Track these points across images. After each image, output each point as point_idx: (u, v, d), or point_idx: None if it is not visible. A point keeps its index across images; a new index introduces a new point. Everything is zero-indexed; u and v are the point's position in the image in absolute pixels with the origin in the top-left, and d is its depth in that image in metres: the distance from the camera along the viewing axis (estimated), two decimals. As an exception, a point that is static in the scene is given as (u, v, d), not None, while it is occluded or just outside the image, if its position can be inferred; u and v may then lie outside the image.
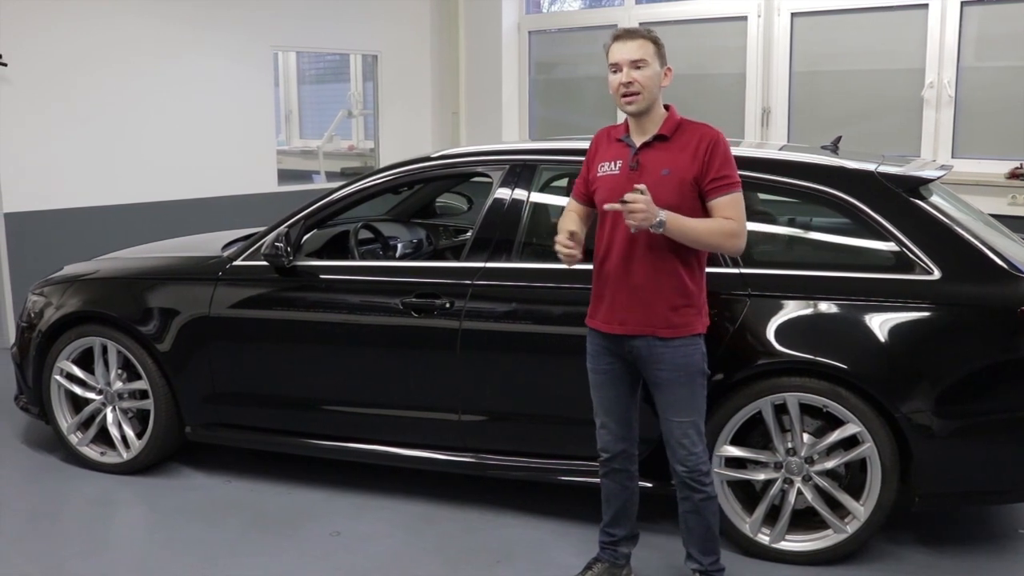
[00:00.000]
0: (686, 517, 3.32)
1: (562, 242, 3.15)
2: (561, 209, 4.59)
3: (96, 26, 6.84)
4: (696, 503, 3.27)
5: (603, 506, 3.49)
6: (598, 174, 3.25)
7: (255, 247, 4.36)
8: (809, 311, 3.58)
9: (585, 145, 4.47)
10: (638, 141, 3.18)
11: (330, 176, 9.39)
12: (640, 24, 8.00)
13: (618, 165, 3.20)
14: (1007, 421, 3.49)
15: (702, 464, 3.24)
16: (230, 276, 4.38)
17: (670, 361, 3.16)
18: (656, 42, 3.15)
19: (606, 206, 3.06)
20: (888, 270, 3.61)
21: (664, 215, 2.98)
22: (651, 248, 3.10)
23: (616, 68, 3.14)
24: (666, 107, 3.22)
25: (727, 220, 3.09)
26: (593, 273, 3.30)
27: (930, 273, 3.51)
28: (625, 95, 3.12)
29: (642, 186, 2.99)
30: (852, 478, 3.64)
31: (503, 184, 4.09)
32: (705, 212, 3.12)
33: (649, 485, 3.65)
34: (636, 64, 3.10)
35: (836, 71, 7.25)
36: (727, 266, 3.65)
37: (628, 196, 2.97)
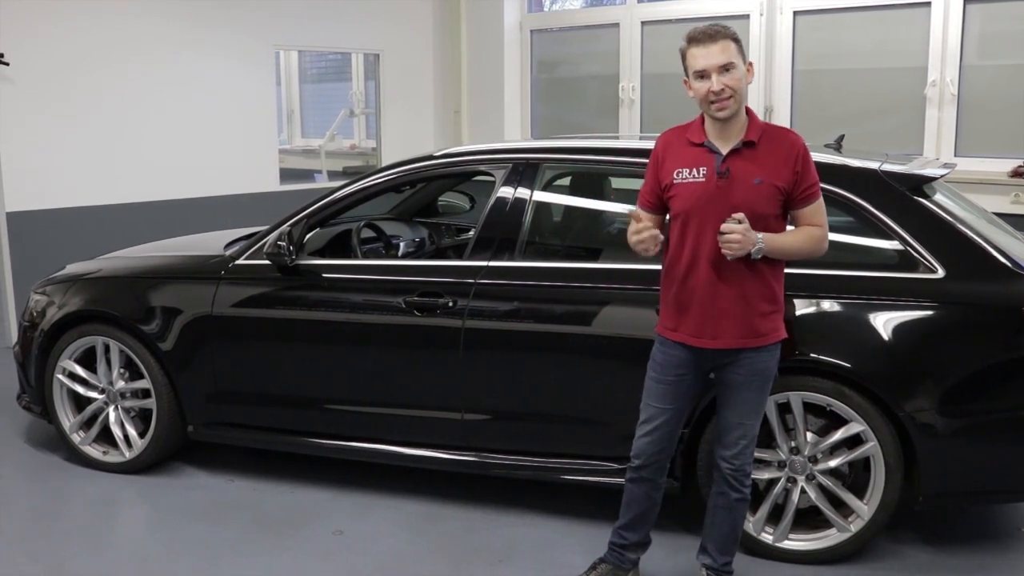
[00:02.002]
0: (715, 513, 3.31)
1: (636, 228, 3.03)
2: (562, 208, 4.62)
3: (97, 25, 6.84)
4: (731, 501, 3.25)
5: (622, 508, 3.42)
6: (675, 181, 3.09)
7: (257, 246, 4.36)
8: (812, 310, 3.57)
9: (586, 144, 4.50)
10: (723, 147, 3.06)
11: (332, 175, 9.39)
12: (641, 24, 8.03)
13: (703, 172, 3.05)
14: (1011, 420, 3.48)
15: (748, 465, 3.23)
16: (232, 275, 4.37)
17: (750, 367, 3.13)
18: (737, 39, 3.02)
19: (723, 226, 2.94)
20: (892, 268, 3.60)
21: (762, 240, 2.96)
22: (740, 259, 3.02)
23: (703, 75, 2.99)
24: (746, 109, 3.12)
25: (815, 227, 3.09)
26: (670, 283, 3.19)
27: (934, 272, 3.51)
28: (716, 102, 2.99)
29: (740, 215, 2.94)
30: (856, 477, 3.63)
31: (505, 183, 4.09)
32: (785, 216, 3.11)
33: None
34: (725, 68, 2.96)
35: (839, 69, 7.24)
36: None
37: (724, 227, 2.93)
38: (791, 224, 3.16)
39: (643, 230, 3.04)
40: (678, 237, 3.13)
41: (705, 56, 2.98)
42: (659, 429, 3.25)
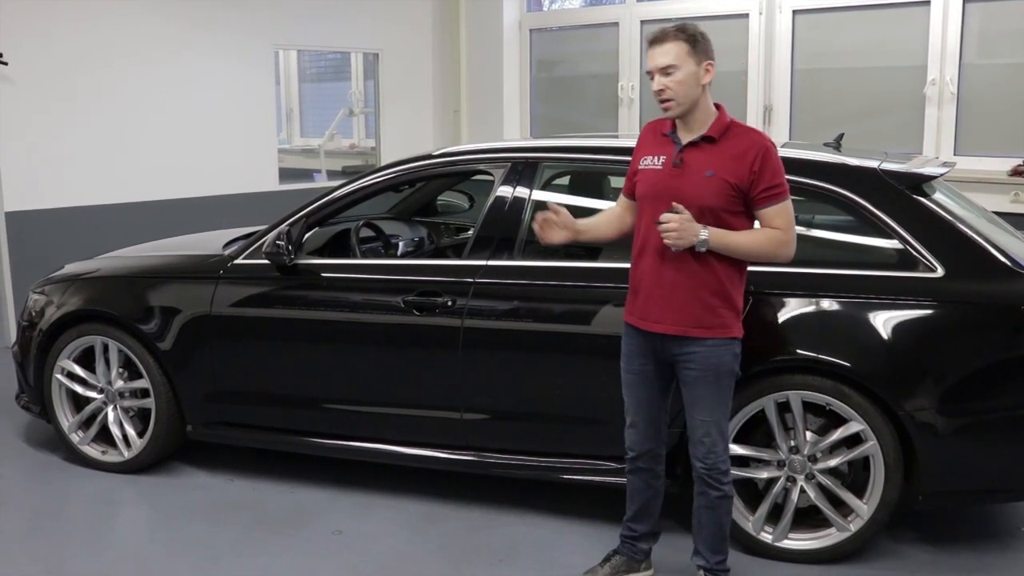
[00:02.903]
0: (699, 513, 3.32)
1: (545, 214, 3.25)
2: (562, 207, 4.60)
3: (97, 25, 6.83)
4: (712, 500, 3.26)
5: (627, 502, 3.49)
6: (640, 167, 3.23)
7: (256, 245, 4.35)
8: (812, 309, 3.57)
9: (585, 143, 4.50)
10: (684, 139, 3.14)
11: (331, 174, 9.38)
12: (641, 23, 8.03)
13: (661, 160, 3.16)
14: (1010, 419, 3.48)
15: (721, 463, 3.23)
16: (231, 275, 4.37)
17: (702, 361, 3.14)
18: (691, 39, 3.06)
19: (662, 216, 3.02)
20: (891, 267, 3.60)
21: (706, 234, 2.98)
22: (687, 250, 3.06)
23: (650, 75, 3.10)
24: (717, 106, 3.17)
25: (775, 230, 3.08)
26: (631, 267, 3.28)
27: (933, 270, 3.50)
28: (661, 102, 3.10)
29: (679, 206, 2.98)
30: (855, 476, 3.63)
31: (504, 182, 4.08)
32: (749, 216, 3.11)
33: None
34: (666, 71, 3.05)
35: (838, 68, 7.24)
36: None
37: (663, 216, 2.98)
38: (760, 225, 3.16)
39: (557, 218, 3.26)
40: (637, 221, 3.25)
41: (651, 57, 3.10)
42: (640, 419, 3.33)
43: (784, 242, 3.10)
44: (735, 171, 3.05)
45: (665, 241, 3.01)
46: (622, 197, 3.39)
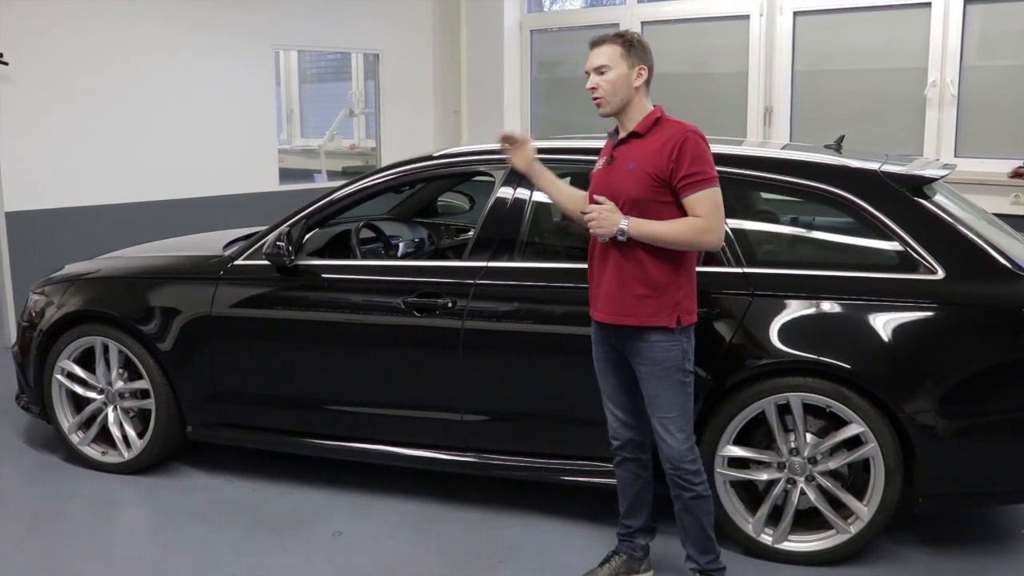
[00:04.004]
0: (680, 516, 3.33)
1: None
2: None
3: (97, 25, 6.83)
4: (686, 502, 3.27)
5: (619, 497, 3.52)
6: (593, 169, 3.41)
7: (256, 246, 4.35)
8: (812, 311, 3.57)
9: (585, 144, 4.50)
10: (620, 137, 3.30)
11: (331, 175, 9.39)
12: (641, 24, 8.03)
13: (603, 160, 3.34)
14: (1011, 421, 3.48)
15: (686, 462, 3.24)
16: (231, 275, 4.37)
17: (647, 355, 3.20)
18: (626, 44, 3.21)
19: (579, 214, 3.27)
20: (892, 269, 3.60)
21: (625, 224, 3.10)
22: (615, 241, 3.17)
23: (587, 75, 3.26)
24: (656, 107, 3.26)
25: (696, 218, 3.10)
26: None
27: (934, 273, 3.50)
28: (593, 99, 3.26)
29: (601, 198, 3.15)
30: (855, 478, 3.63)
31: (505, 183, 4.08)
32: (679, 206, 3.15)
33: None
34: (599, 70, 3.21)
35: (838, 70, 7.24)
36: (730, 265, 3.64)
37: (586, 207, 3.18)
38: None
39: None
40: None
41: (589, 58, 3.26)
42: (616, 406, 3.41)
43: (705, 229, 3.11)
44: (655, 162, 3.13)
45: (591, 231, 3.17)
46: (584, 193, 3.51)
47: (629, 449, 3.43)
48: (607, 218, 3.12)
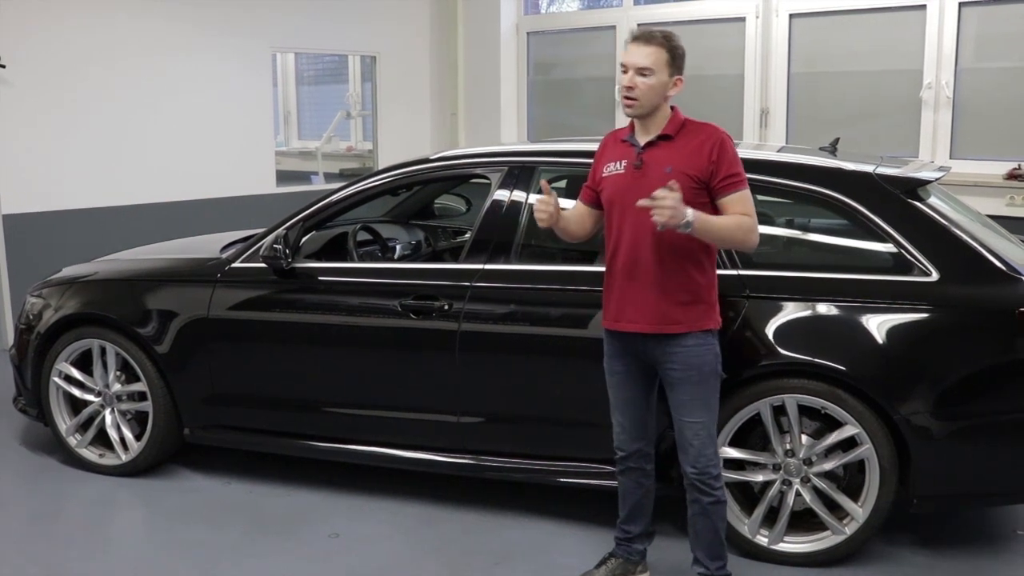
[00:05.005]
0: (694, 520, 3.32)
1: (542, 197, 3.22)
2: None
3: (94, 27, 6.84)
4: (704, 506, 3.26)
5: (619, 502, 3.50)
6: (604, 174, 3.28)
7: (254, 249, 4.36)
8: (808, 313, 3.58)
9: (582, 147, 4.51)
10: (642, 141, 3.20)
11: (329, 177, 9.39)
12: (639, 25, 8.03)
13: (623, 164, 3.22)
14: (1005, 423, 3.50)
15: (712, 467, 3.23)
16: (229, 278, 4.37)
17: (683, 360, 3.16)
18: (672, 51, 3.13)
19: (639, 202, 2.99)
20: (886, 272, 3.61)
21: (692, 215, 2.97)
22: (657, 244, 3.11)
23: (624, 69, 3.15)
24: (671, 108, 3.23)
25: (743, 216, 3.10)
26: (605, 273, 3.31)
27: (928, 275, 3.52)
28: (625, 98, 3.15)
29: (673, 183, 2.97)
30: (850, 480, 3.64)
31: (502, 186, 4.09)
32: (712, 208, 3.13)
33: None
34: (642, 71, 3.10)
35: (834, 72, 7.25)
36: (725, 268, 3.65)
37: (658, 192, 2.94)
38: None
39: (548, 201, 3.20)
40: (607, 228, 3.30)
41: (631, 54, 3.13)
42: (627, 419, 3.36)
43: (752, 228, 3.13)
44: (694, 164, 3.10)
45: (655, 219, 2.94)
46: (580, 203, 3.42)
47: (634, 459, 3.40)
48: (678, 209, 2.93)
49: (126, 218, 7.00)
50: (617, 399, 3.37)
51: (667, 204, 2.92)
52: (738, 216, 3.11)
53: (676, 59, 3.14)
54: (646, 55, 3.11)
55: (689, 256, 3.13)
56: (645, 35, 3.15)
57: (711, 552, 3.33)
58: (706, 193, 3.12)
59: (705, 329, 3.18)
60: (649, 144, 3.19)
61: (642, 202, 2.98)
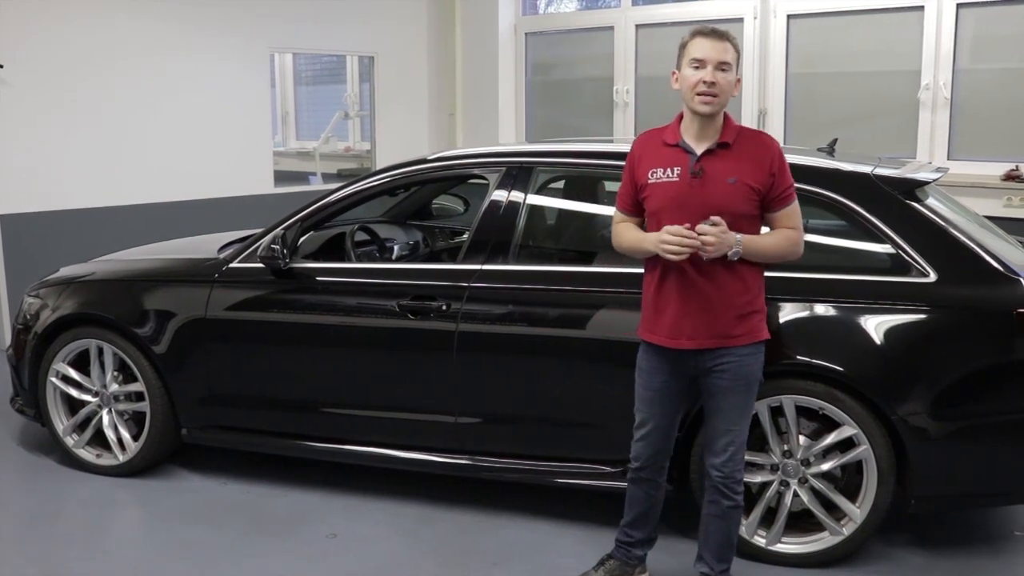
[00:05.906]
0: (708, 520, 3.31)
1: (672, 232, 2.97)
2: (557, 211, 4.62)
3: (92, 28, 6.83)
4: (724, 509, 3.25)
5: (626, 507, 3.46)
6: (649, 181, 3.12)
7: (251, 249, 4.36)
8: (805, 314, 3.58)
9: (581, 147, 4.51)
10: (697, 148, 3.08)
11: (326, 178, 9.37)
12: (636, 27, 8.05)
13: (676, 172, 3.08)
14: (1003, 424, 3.50)
15: (738, 472, 3.23)
16: (226, 278, 4.37)
17: (734, 370, 3.13)
18: (738, 50, 3.09)
19: (699, 228, 2.93)
20: (884, 272, 3.62)
21: (740, 243, 2.97)
22: (716, 260, 3.04)
23: (700, 64, 3.02)
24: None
25: (791, 230, 3.10)
26: (649, 284, 3.21)
27: (926, 276, 3.52)
28: (704, 94, 3.02)
29: (716, 218, 2.95)
30: (848, 480, 3.64)
31: (500, 186, 4.09)
32: (761, 220, 3.12)
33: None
34: (722, 66, 3.02)
35: (832, 73, 7.25)
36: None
37: (700, 228, 2.93)
38: (766, 227, 3.17)
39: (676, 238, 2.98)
40: None
41: (710, 48, 3.03)
42: (652, 433, 3.29)
43: (798, 241, 3.13)
44: (755, 175, 3.05)
45: (700, 252, 2.95)
46: (621, 213, 3.27)
47: (649, 471, 3.35)
48: (724, 239, 2.94)
49: (124, 218, 6.99)
50: (650, 414, 3.28)
51: (709, 241, 2.92)
52: (784, 232, 3.10)
53: (739, 58, 3.10)
54: (723, 50, 3.03)
55: (745, 267, 3.09)
56: (717, 31, 3.06)
57: (719, 555, 3.32)
58: (760, 205, 3.08)
59: (759, 340, 3.17)
60: (708, 152, 3.07)
61: (693, 242, 2.93)
